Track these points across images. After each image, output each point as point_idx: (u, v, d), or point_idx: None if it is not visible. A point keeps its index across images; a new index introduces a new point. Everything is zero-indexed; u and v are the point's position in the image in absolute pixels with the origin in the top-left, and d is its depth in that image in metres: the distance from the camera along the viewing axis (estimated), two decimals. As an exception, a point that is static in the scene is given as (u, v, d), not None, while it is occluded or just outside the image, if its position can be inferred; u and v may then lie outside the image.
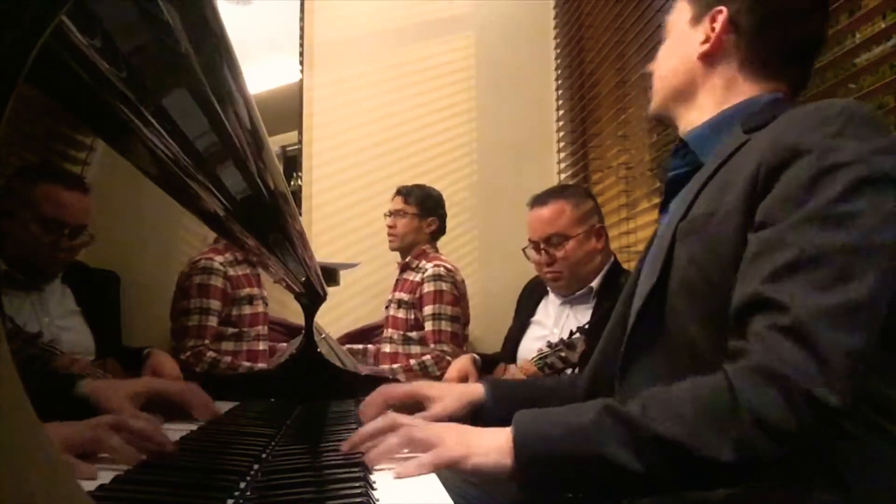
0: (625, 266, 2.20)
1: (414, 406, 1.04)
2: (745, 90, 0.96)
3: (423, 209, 2.66)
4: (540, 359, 1.76)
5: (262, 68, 3.21)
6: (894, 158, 0.74)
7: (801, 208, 0.72)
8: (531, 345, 2.08)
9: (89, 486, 0.57)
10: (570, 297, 2.09)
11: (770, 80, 0.96)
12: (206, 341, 1.37)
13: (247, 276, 1.41)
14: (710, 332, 0.78)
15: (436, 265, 2.58)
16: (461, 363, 2.16)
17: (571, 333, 1.74)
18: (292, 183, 3.18)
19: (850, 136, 0.74)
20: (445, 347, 2.49)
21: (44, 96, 0.48)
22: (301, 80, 3.21)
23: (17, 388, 0.27)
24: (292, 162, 3.20)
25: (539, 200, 2.09)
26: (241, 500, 0.61)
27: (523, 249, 2.16)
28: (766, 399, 0.65)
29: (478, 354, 2.22)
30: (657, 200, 2.41)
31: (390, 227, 2.69)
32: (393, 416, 0.85)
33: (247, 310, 1.44)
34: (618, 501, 0.80)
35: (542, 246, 2.04)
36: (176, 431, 0.86)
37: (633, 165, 2.64)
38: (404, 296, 2.59)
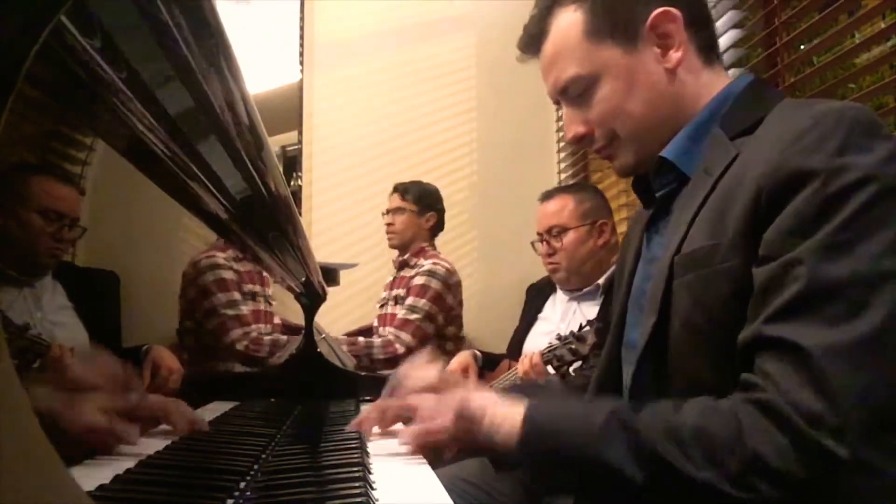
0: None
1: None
2: (714, 82, 0.89)
3: (421, 205, 2.66)
4: (550, 351, 1.77)
5: (262, 68, 3.22)
6: None
7: (809, 239, 0.67)
8: (537, 341, 2.09)
9: (89, 486, 0.57)
10: (577, 294, 2.11)
11: (717, 61, 0.91)
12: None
13: (249, 273, 1.41)
14: (721, 374, 0.73)
15: (434, 262, 2.57)
16: (462, 358, 2.18)
17: (581, 326, 1.74)
18: (292, 183, 3.18)
19: (854, 149, 0.69)
20: (403, 336, 2.45)
21: (44, 96, 0.48)
22: (301, 80, 3.21)
23: (17, 389, 0.27)
24: (292, 162, 3.20)
25: (546, 195, 2.17)
26: (241, 500, 0.61)
27: (532, 243, 2.19)
28: (772, 442, 0.64)
29: (479, 353, 2.23)
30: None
31: (389, 224, 2.68)
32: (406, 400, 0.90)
33: (250, 306, 1.45)
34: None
35: (544, 237, 2.10)
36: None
37: (633, 165, 2.64)
38: (402, 292, 2.59)
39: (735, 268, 0.73)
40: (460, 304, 2.65)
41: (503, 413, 0.78)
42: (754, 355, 0.69)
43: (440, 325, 2.54)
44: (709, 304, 0.76)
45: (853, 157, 0.68)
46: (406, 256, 2.65)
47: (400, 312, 2.50)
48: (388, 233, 2.69)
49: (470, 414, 0.80)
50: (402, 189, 2.69)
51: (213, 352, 1.29)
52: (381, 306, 2.68)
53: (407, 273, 2.62)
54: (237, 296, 1.40)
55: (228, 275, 1.36)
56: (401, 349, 2.40)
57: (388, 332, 2.47)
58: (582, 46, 0.89)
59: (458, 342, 2.64)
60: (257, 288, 1.47)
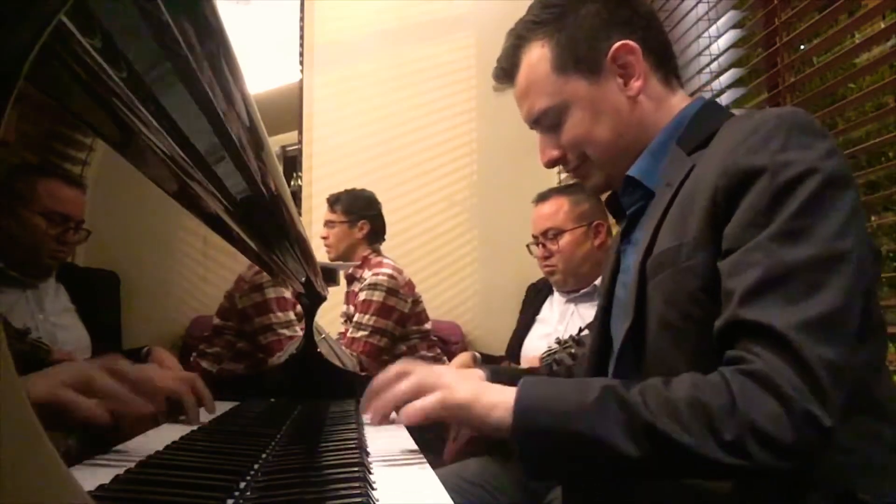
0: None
1: None
2: (673, 104, 0.96)
3: (350, 215, 2.61)
4: (549, 355, 1.76)
5: (262, 68, 3.22)
6: (841, 158, 0.76)
7: (765, 229, 0.73)
8: (535, 343, 2.09)
9: (89, 486, 0.57)
10: (574, 296, 2.10)
11: (676, 84, 0.98)
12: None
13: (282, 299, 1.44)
14: (697, 366, 0.76)
15: (374, 273, 2.52)
16: (462, 359, 2.17)
17: (580, 330, 1.74)
18: (292, 183, 3.18)
19: (796, 146, 0.75)
20: (353, 354, 2.43)
21: (44, 96, 0.48)
22: (301, 80, 3.21)
23: (17, 389, 0.27)
24: (292, 162, 3.20)
25: (541, 197, 2.15)
26: (241, 500, 0.61)
27: (528, 245, 2.18)
28: (765, 409, 0.66)
29: (478, 354, 2.23)
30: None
31: (324, 238, 2.66)
32: (402, 365, 0.89)
33: (296, 330, 1.48)
34: (610, 484, 0.82)
35: (540, 240, 2.08)
36: (176, 431, 0.86)
37: (633, 165, 2.64)
38: (351, 308, 2.57)
39: (700, 263, 0.78)
40: (416, 301, 2.60)
41: (494, 396, 0.79)
42: (733, 339, 0.73)
43: (394, 330, 2.51)
44: (679, 300, 0.80)
45: (795, 153, 0.75)
46: (352, 270, 2.62)
47: (349, 331, 2.48)
48: (325, 247, 2.66)
49: (457, 402, 0.80)
50: (331, 200, 2.66)
51: (245, 357, 1.30)
52: (344, 322, 2.65)
53: (354, 287, 2.59)
54: (292, 316, 1.42)
55: (288, 294, 1.38)
56: (358, 369, 2.40)
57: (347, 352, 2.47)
58: (550, 79, 0.96)
59: (425, 334, 2.62)
60: (299, 308, 1.50)
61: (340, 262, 2.65)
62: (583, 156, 0.97)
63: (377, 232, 2.67)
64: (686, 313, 0.79)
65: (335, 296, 2.34)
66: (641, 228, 0.93)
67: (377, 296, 2.47)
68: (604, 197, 1.11)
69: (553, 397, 0.75)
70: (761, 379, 0.67)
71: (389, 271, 2.53)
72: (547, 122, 0.98)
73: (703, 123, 0.91)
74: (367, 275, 2.54)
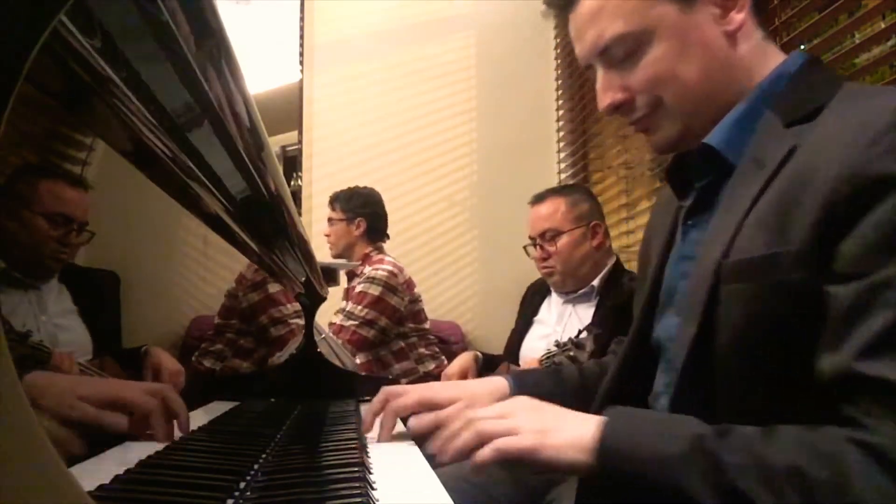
0: (626, 266, 2.21)
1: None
2: (768, 56, 0.80)
3: (349, 212, 2.63)
4: (547, 358, 1.76)
5: (262, 68, 3.22)
6: None
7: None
8: (534, 344, 2.09)
9: (89, 486, 0.57)
10: (572, 297, 2.10)
11: (769, 33, 0.82)
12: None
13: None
14: (777, 402, 0.67)
15: (374, 268, 2.54)
16: (463, 360, 2.17)
17: (579, 332, 1.74)
18: (292, 183, 3.18)
19: None
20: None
21: (44, 96, 0.48)
22: (301, 80, 3.21)
23: (17, 389, 0.27)
24: (292, 162, 3.20)
25: (538, 198, 2.14)
26: (241, 500, 0.61)
27: (524, 247, 2.18)
28: (881, 494, 0.55)
29: (479, 354, 2.23)
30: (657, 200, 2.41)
31: (326, 236, 2.69)
32: (448, 411, 0.84)
33: (283, 330, 1.47)
34: None
35: (537, 241, 2.08)
36: (176, 431, 0.86)
37: (633, 165, 2.64)
38: (349, 304, 2.58)
39: (801, 282, 0.64)
40: (414, 300, 2.62)
41: (563, 436, 0.69)
42: (849, 394, 0.61)
43: (387, 327, 2.51)
44: (766, 321, 0.67)
45: None
46: (354, 267, 2.64)
47: (337, 319, 2.50)
48: (328, 244, 2.69)
49: (519, 450, 0.70)
50: (332, 199, 2.69)
51: (249, 353, 1.30)
52: (336, 313, 2.67)
53: (355, 283, 2.61)
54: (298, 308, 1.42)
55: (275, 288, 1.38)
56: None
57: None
58: (631, 1, 0.78)
59: (423, 333, 2.63)
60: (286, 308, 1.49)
61: (340, 262, 2.65)
62: (656, 101, 0.80)
63: (376, 229, 2.68)
64: (771, 337, 0.66)
65: (335, 296, 2.34)
66: (716, 212, 0.77)
67: (373, 289, 2.49)
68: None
69: (638, 441, 0.66)
70: (882, 456, 0.56)
71: (389, 268, 2.55)
72: (618, 53, 0.80)
73: (807, 89, 0.75)
74: (367, 270, 2.56)
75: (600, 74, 0.83)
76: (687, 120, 0.81)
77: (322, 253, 2.81)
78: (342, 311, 2.56)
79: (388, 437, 0.93)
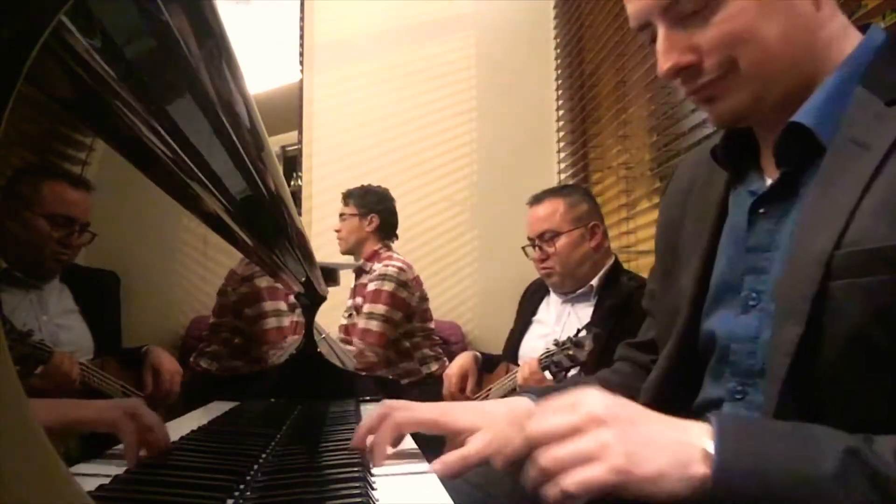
0: (625, 266, 2.21)
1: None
2: (851, 29, 0.73)
3: (362, 208, 2.65)
4: (547, 357, 1.76)
5: (262, 68, 3.22)
6: None
7: None
8: (533, 343, 2.09)
9: (89, 486, 0.57)
10: (571, 296, 2.10)
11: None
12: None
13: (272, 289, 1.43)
14: None
15: (385, 265, 2.56)
16: (463, 360, 2.17)
17: (578, 331, 1.73)
18: (292, 183, 3.18)
19: None
20: (370, 345, 2.46)
21: (44, 96, 0.48)
22: (301, 80, 3.22)
23: (17, 389, 0.27)
24: (292, 162, 3.20)
25: (536, 199, 2.14)
26: (241, 500, 0.61)
27: (523, 248, 2.18)
28: None
29: (479, 354, 2.23)
30: (657, 200, 2.41)
31: (337, 231, 2.70)
32: (505, 434, 0.65)
33: (293, 317, 1.47)
34: None
35: (536, 242, 2.08)
36: (176, 431, 0.86)
37: (633, 165, 2.64)
38: (359, 301, 2.58)
39: None
40: (423, 298, 2.63)
41: (658, 460, 0.54)
42: None
43: (400, 324, 2.54)
44: (893, 316, 0.59)
45: None
46: (361, 262, 2.65)
47: (360, 322, 2.50)
48: (337, 239, 2.71)
49: (601, 482, 0.54)
50: (345, 195, 2.71)
51: (243, 352, 1.30)
52: (348, 316, 2.67)
53: (363, 280, 2.61)
54: (283, 306, 1.41)
55: (278, 285, 1.37)
56: (374, 358, 2.44)
57: (357, 343, 2.47)
58: None
59: (428, 333, 2.65)
60: (291, 299, 1.48)
61: (340, 263, 2.65)
62: (730, 63, 0.70)
63: (387, 227, 2.70)
64: None
65: (335, 296, 2.34)
66: (808, 199, 0.69)
67: (387, 286, 2.50)
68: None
69: (766, 463, 0.53)
70: None
71: (399, 264, 2.57)
72: (687, 7, 0.70)
73: None
74: (378, 267, 2.56)
75: (662, 34, 0.72)
76: (762, 88, 0.71)
77: (322, 253, 2.81)
78: (356, 310, 2.56)
79: (383, 457, 0.78)
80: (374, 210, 2.65)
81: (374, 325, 2.48)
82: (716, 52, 0.70)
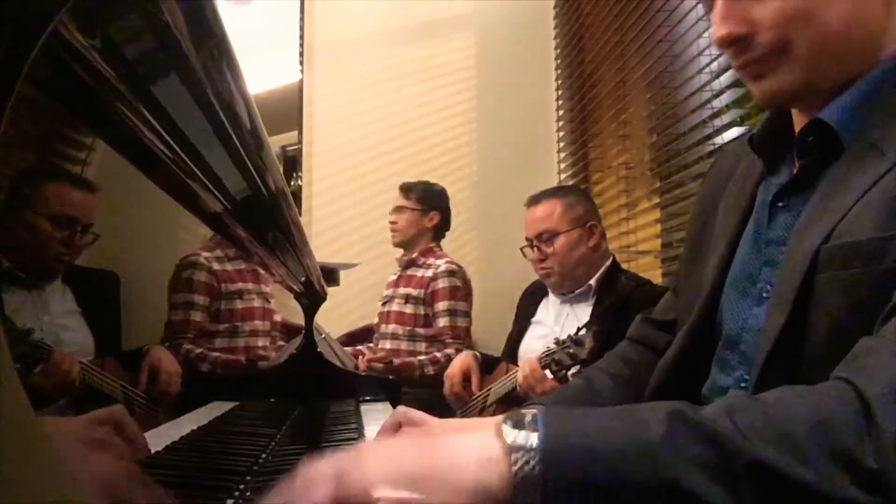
0: (623, 266, 2.21)
1: None
2: None
3: (424, 204, 2.68)
4: (547, 355, 1.76)
5: (262, 68, 3.21)
6: None
7: None
8: (533, 344, 2.09)
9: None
10: (569, 296, 2.10)
11: None
12: (189, 335, 1.37)
13: (238, 272, 1.41)
14: None
15: (448, 262, 2.62)
16: (463, 359, 2.17)
17: (578, 330, 1.74)
18: (292, 183, 3.18)
19: None
20: (461, 344, 2.52)
21: (44, 96, 0.48)
22: (301, 80, 3.22)
23: (17, 389, 0.27)
24: (292, 162, 3.20)
25: (534, 199, 2.15)
26: (241, 500, 0.61)
27: (521, 248, 2.18)
28: None
29: (479, 354, 2.23)
30: (657, 200, 2.41)
31: (392, 223, 2.71)
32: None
33: (238, 304, 1.44)
34: None
35: (534, 243, 2.09)
36: (176, 431, 0.86)
37: (633, 165, 2.64)
38: (412, 291, 2.60)
39: None
40: (472, 302, 2.73)
41: (463, 444, 0.48)
42: (885, 322, 0.56)
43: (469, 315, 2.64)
44: (871, 309, 0.59)
45: None
46: (414, 255, 2.67)
47: (443, 320, 2.54)
48: (391, 231, 2.72)
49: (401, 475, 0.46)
50: (406, 188, 2.73)
51: (215, 336, 1.30)
52: (384, 303, 2.69)
53: (417, 272, 2.64)
54: (198, 299, 1.38)
55: (199, 276, 1.35)
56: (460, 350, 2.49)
57: (451, 343, 2.51)
58: None
59: (469, 336, 2.69)
60: (248, 286, 1.46)
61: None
62: (784, 42, 0.69)
63: (444, 226, 2.75)
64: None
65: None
66: (818, 197, 0.69)
67: (459, 282, 2.59)
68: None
69: (594, 436, 0.47)
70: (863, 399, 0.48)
71: (460, 265, 2.65)
72: None
73: None
74: (441, 262, 2.61)
75: (721, 1, 0.71)
76: (811, 74, 0.69)
77: (322, 253, 2.81)
78: (406, 298, 2.60)
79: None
80: (437, 207, 2.70)
81: (461, 321, 2.56)
82: (772, 28, 0.68)
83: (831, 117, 0.69)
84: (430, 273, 2.60)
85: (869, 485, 0.45)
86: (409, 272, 2.67)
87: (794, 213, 0.73)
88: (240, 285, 1.41)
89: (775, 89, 0.72)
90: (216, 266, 1.32)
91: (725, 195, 0.86)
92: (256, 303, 1.47)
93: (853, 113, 0.68)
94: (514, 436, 0.47)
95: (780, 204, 0.75)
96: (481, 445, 0.47)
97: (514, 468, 0.45)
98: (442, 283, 2.56)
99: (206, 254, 1.27)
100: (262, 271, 1.42)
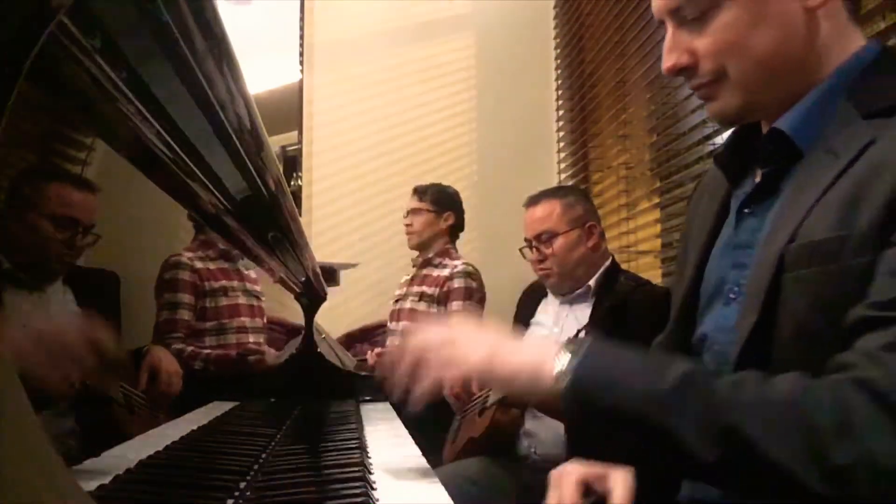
0: (624, 266, 2.21)
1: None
2: (852, 41, 0.75)
3: (439, 205, 2.70)
4: None
5: (262, 68, 3.21)
6: None
7: None
8: (532, 345, 2.09)
9: (89, 486, 0.57)
10: (568, 297, 2.10)
11: (856, 16, 0.77)
12: (178, 335, 1.37)
13: (222, 270, 1.41)
14: None
15: (464, 263, 2.63)
16: None
17: (578, 332, 1.73)
18: (292, 183, 3.18)
19: None
20: None
21: (44, 96, 0.48)
22: (301, 80, 3.21)
23: (17, 389, 0.27)
24: (292, 162, 3.20)
25: (532, 200, 2.14)
26: (241, 500, 0.61)
27: (520, 249, 2.18)
28: (878, 429, 0.55)
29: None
30: (657, 200, 2.41)
31: (408, 225, 2.73)
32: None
33: (223, 301, 1.44)
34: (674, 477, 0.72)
35: (533, 244, 2.09)
36: (176, 431, 0.86)
37: (633, 165, 2.64)
38: (427, 289, 2.61)
39: (868, 265, 0.62)
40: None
41: (522, 363, 0.68)
42: (854, 336, 0.61)
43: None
44: (832, 307, 0.64)
45: None
46: (430, 255, 2.68)
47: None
48: (407, 233, 2.73)
49: (489, 375, 0.71)
50: (420, 191, 2.74)
51: (202, 334, 1.30)
52: (397, 301, 2.70)
53: (433, 272, 2.65)
54: (183, 297, 1.38)
55: (184, 276, 1.35)
56: None
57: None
58: None
59: None
60: (232, 283, 1.46)
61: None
62: (721, 70, 0.75)
63: (458, 226, 2.76)
64: (837, 323, 0.63)
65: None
66: (782, 201, 0.74)
67: (474, 283, 2.61)
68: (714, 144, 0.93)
69: (618, 374, 0.63)
70: (877, 394, 0.56)
71: (473, 266, 2.67)
72: (691, 13, 0.75)
73: (889, 81, 0.72)
74: (457, 263, 2.62)
75: (669, 33, 0.78)
76: (749, 96, 0.76)
77: (322, 253, 2.81)
78: (421, 296, 2.61)
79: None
80: (451, 208, 2.71)
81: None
82: (709, 58, 0.75)
83: (786, 125, 0.74)
84: (446, 272, 2.61)
85: (833, 479, 0.54)
86: (424, 271, 2.69)
87: (760, 217, 0.78)
88: (224, 283, 1.41)
89: (724, 110, 0.79)
90: (199, 265, 1.32)
91: (701, 208, 0.91)
92: (242, 300, 1.46)
93: (807, 121, 0.73)
94: (565, 360, 0.65)
95: (745, 210, 0.80)
96: (542, 353, 0.68)
97: (554, 382, 0.64)
98: (458, 283, 2.58)
99: (188, 254, 1.27)
100: (244, 270, 1.42)
